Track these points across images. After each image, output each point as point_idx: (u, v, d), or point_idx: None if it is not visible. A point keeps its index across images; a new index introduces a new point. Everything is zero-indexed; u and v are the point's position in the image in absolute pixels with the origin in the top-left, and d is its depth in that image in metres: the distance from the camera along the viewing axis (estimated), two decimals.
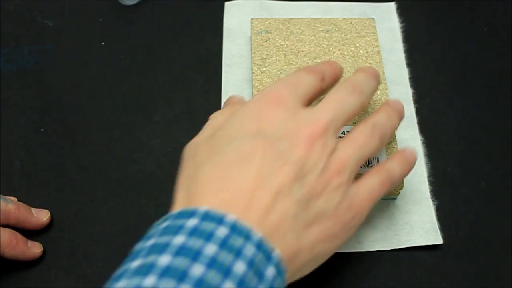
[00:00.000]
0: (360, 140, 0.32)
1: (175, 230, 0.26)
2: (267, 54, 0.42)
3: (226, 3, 0.48)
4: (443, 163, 0.41)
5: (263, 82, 0.41)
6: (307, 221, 0.29)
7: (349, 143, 0.32)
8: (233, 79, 0.45)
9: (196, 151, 0.32)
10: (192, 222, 0.26)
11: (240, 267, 0.25)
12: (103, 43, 0.47)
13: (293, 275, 0.29)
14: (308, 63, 0.41)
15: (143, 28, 0.48)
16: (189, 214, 0.27)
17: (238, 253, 0.25)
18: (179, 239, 0.25)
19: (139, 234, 0.38)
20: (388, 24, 0.48)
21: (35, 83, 0.45)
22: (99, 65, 0.46)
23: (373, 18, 0.44)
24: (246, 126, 0.31)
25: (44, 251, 0.37)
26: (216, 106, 0.44)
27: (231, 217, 0.27)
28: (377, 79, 0.35)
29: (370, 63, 0.42)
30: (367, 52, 0.42)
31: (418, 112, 0.44)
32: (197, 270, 0.24)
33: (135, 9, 0.49)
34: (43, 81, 0.45)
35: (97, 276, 0.37)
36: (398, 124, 0.34)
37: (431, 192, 0.40)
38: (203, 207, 0.27)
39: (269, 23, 0.44)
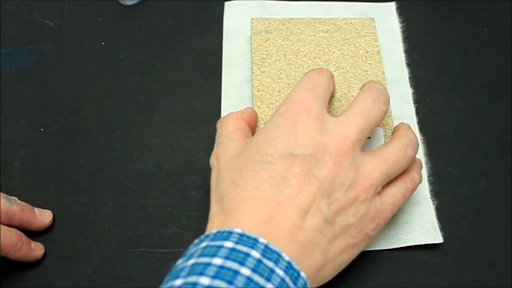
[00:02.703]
0: (392, 160, 0.33)
1: (214, 252, 0.27)
2: (267, 54, 0.42)
3: (226, 3, 0.48)
4: (443, 163, 0.41)
5: (263, 82, 0.41)
6: (333, 235, 0.31)
7: (380, 161, 0.32)
8: (233, 79, 0.44)
9: (227, 166, 0.33)
10: (228, 244, 0.28)
11: None
12: (103, 43, 0.47)
13: (317, 284, 0.31)
14: (308, 63, 0.41)
15: (143, 28, 0.48)
16: (225, 236, 0.28)
17: (268, 278, 0.27)
18: (217, 261, 0.27)
19: (139, 234, 0.39)
20: (388, 24, 0.48)
21: (35, 83, 0.45)
22: (99, 65, 0.46)
23: (373, 18, 0.44)
24: (277, 144, 0.31)
25: (44, 251, 0.37)
26: (216, 106, 0.44)
27: (262, 240, 0.28)
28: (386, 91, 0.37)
29: (370, 63, 0.42)
30: (367, 52, 0.42)
31: (418, 112, 0.44)
32: None
33: (135, 9, 0.49)
34: (43, 81, 0.45)
35: (97, 276, 0.37)
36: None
37: (431, 192, 0.40)
38: (237, 230, 0.28)
39: (269, 23, 0.44)
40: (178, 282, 0.26)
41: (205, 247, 0.28)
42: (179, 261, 0.29)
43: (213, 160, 0.35)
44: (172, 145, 0.42)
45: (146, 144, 0.42)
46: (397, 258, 0.38)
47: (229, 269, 0.26)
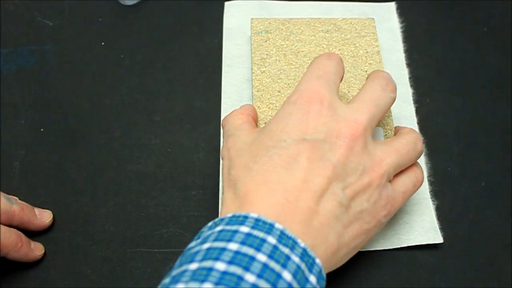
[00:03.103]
0: (403, 151, 0.33)
1: (229, 236, 0.27)
2: (267, 54, 0.42)
3: (226, 3, 0.48)
4: (443, 163, 0.41)
5: (263, 82, 0.41)
6: (348, 221, 0.31)
7: (392, 150, 0.33)
8: (233, 79, 0.44)
9: (239, 154, 0.33)
10: (244, 229, 0.27)
11: (286, 276, 0.26)
12: (103, 43, 0.47)
13: (330, 268, 0.31)
14: (308, 63, 0.41)
15: (143, 28, 0.48)
16: (241, 221, 0.28)
17: (284, 264, 0.27)
18: (233, 246, 0.27)
19: (139, 234, 0.39)
20: (388, 24, 0.48)
21: (35, 83, 0.45)
22: (99, 65, 0.46)
23: (373, 18, 0.44)
24: (290, 130, 0.31)
25: (44, 251, 0.37)
26: (216, 106, 0.44)
27: (278, 226, 0.28)
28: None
29: (370, 63, 0.42)
30: (367, 52, 0.42)
31: (418, 112, 0.44)
32: (250, 278, 0.25)
33: (135, 9, 0.49)
34: (43, 81, 0.45)
35: (97, 276, 0.37)
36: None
37: (431, 192, 0.40)
38: (253, 214, 0.28)
39: (269, 23, 0.44)
40: (193, 266, 0.26)
41: (221, 231, 0.28)
42: (193, 243, 0.29)
43: (223, 151, 0.34)
44: (172, 145, 0.42)
45: (146, 144, 0.42)
46: (397, 258, 0.38)
47: (245, 254, 0.26)
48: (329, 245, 0.30)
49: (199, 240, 0.28)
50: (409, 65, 0.46)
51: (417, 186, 0.35)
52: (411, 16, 0.49)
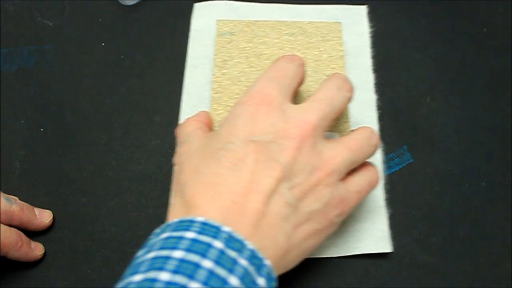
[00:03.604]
0: (355, 147, 0.33)
1: (174, 244, 0.27)
2: (229, 56, 0.42)
3: (195, 4, 0.48)
4: (443, 162, 0.41)
5: (223, 84, 0.40)
6: (297, 221, 0.30)
7: (343, 147, 0.32)
8: (196, 80, 0.44)
9: (189, 158, 0.32)
10: (189, 235, 0.27)
11: (233, 281, 0.26)
12: (103, 44, 0.47)
13: (283, 270, 0.31)
14: (268, 64, 0.41)
15: (143, 28, 0.48)
16: (187, 226, 0.28)
17: (231, 269, 0.26)
18: (177, 254, 0.26)
19: (139, 234, 0.39)
20: (358, 28, 0.47)
21: (35, 83, 0.45)
22: (99, 65, 0.46)
23: (339, 22, 0.44)
24: (238, 131, 0.31)
25: (44, 251, 0.37)
26: None
27: (225, 228, 0.27)
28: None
29: (332, 68, 0.41)
30: (331, 56, 0.42)
31: (418, 112, 0.44)
32: (195, 286, 0.25)
33: (135, 9, 0.49)
34: (43, 81, 0.45)
35: (97, 276, 0.37)
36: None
37: (386, 200, 0.40)
38: (199, 218, 0.28)
39: (234, 25, 0.43)
40: (137, 277, 0.26)
41: (166, 238, 0.27)
42: (140, 253, 0.28)
43: (175, 158, 0.34)
44: (172, 146, 0.42)
45: (146, 144, 0.42)
46: (397, 258, 0.38)
47: (190, 262, 0.26)
48: (278, 247, 0.29)
49: (145, 249, 0.28)
50: (376, 70, 0.45)
51: (372, 185, 0.35)
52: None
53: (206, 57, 0.45)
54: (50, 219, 0.38)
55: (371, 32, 0.47)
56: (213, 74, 0.41)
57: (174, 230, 0.28)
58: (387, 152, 0.42)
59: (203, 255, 0.26)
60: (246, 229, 0.28)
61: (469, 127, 0.43)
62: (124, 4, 0.49)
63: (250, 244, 0.28)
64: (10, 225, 0.36)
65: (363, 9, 0.48)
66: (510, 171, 0.41)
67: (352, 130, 0.36)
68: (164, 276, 0.25)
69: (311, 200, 0.31)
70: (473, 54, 0.47)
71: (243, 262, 0.27)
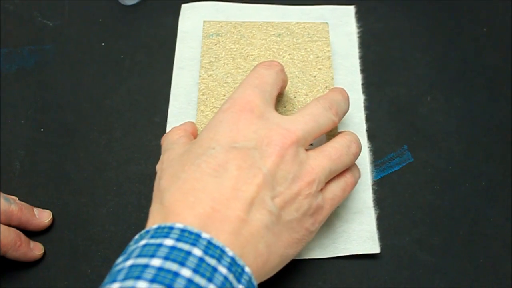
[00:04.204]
0: (335, 156, 0.33)
1: (152, 251, 0.26)
2: (215, 57, 0.42)
3: (183, 5, 0.48)
4: (444, 162, 0.41)
5: (209, 85, 0.40)
6: (278, 230, 0.30)
7: (323, 157, 0.32)
8: (183, 82, 0.44)
9: (170, 164, 0.32)
10: (168, 242, 0.26)
11: None
12: (103, 44, 0.47)
13: (263, 278, 0.30)
14: (255, 65, 0.40)
15: (143, 28, 0.48)
16: (166, 233, 0.27)
17: (210, 278, 0.26)
18: (155, 262, 0.26)
19: None
20: (346, 28, 0.47)
21: (35, 83, 0.45)
22: (99, 65, 0.46)
23: (326, 23, 0.43)
24: (220, 137, 0.31)
25: (44, 251, 0.37)
26: None
27: (205, 235, 0.27)
28: (348, 102, 0.36)
29: (319, 68, 0.41)
30: (318, 57, 0.41)
31: (418, 112, 0.44)
32: None
33: (135, 9, 0.49)
34: (43, 81, 0.45)
35: (97, 276, 0.37)
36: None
37: (374, 200, 0.40)
38: (178, 224, 0.27)
39: (221, 26, 0.43)
40: (115, 286, 0.25)
41: (144, 246, 0.27)
42: (119, 260, 0.28)
43: (158, 165, 0.34)
44: None
45: (146, 145, 0.42)
46: (397, 258, 0.38)
47: (168, 271, 0.25)
48: (259, 255, 0.29)
49: (124, 256, 0.28)
50: (363, 71, 0.45)
51: (347, 191, 0.34)
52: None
53: (193, 59, 0.45)
54: (49, 219, 0.38)
55: (372, 32, 0.47)
56: (200, 76, 0.41)
57: (153, 237, 0.27)
58: (387, 152, 0.42)
59: (182, 263, 0.26)
60: (226, 237, 0.28)
61: (469, 127, 0.43)
62: (124, 4, 0.49)
63: (230, 251, 0.27)
64: (9, 225, 0.36)
65: (350, 9, 0.48)
66: (510, 171, 0.41)
67: (339, 132, 0.36)
68: (142, 285, 0.25)
69: (291, 209, 0.31)
70: (473, 54, 0.47)
71: (222, 270, 0.26)
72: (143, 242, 0.27)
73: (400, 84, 0.45)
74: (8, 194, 0.38)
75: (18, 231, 0.36)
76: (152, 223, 0.29)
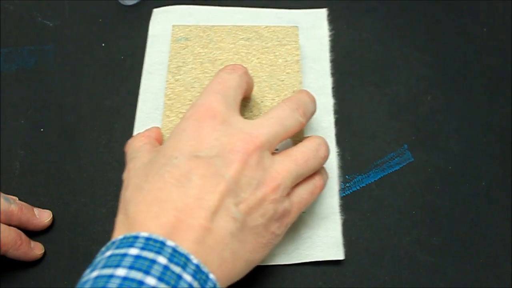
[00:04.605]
0: (301, 160, 0.32)
1: (117, 261, 0.26)
2: (183, 62, 0.41)
3: (154, 10, 0.48)
4: (444, 162, 0.41)
5: (176, 90, 0.40)
6: (243, 236, 0.30)
7: (289, 161, 0.32)
8: (152, 87, 0.43)
9: (135, 174, 0.32)
10: (133, 252, 0.26)
11: None
12: (103, 44, 0.47)
13: (227, 284, 0.30)
14: None
15: (143, 28, 0.48)
16: (131, 242, 0.27)
17: (175, 285, 0.26)
18: (120, 272, 0.26)
19: None
20: (318, 31, 0.46)
21: (35, 83, 0.45)
22: (99, 65, 0.46)
23: (296, 27, 0.43)
24: (182, 146, 0.30)
25: (44, 251, 0.37)
26: None
27: (170, 243, 0.27)
28: (315, 104, 0.36)
29: (287, 73, 0.40)
30: (286, 61, 0.41)
31: (418, 111, 0.44)
32: None
33: (135, 9, 0.49)
34: (43, 81, 0.45)
35: None
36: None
37: (341, 206, 0.39)
38: (143, 233, 0.27)
39: (190, 30, 0.43)
40: None
41: (110, 257, 0.27)
42: (86, 272, 0.28)
43: (124, 175, 0.33)
44: None
45: None
46: (397, 258, 0.38)
47: (133, 280, 0.25)
48: (224, 261, 0.29)
49: (90, 268, 0.27)
50: (333, 74, 0.45)
51: (315, 193, 0.34)
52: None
53: (163, 63, 0.44)
54: (49, 219, 0.38)
55: (372, 32, 0.47)
56: (167, 81, 0.40)
57: (118, 247, 0.27)
58: (387, 152, 0.42)
59: (147, 272, 0.26)
60: (191, 245, 0.28)
61: (470, 127, 0.43)
62: (124, 4, 0.49)
63: (194, 259, 0.27)
64: (9, 225, 0.36)
65: (323, 12, 0.47)
66: (510, 171, 0.41)
67: (306, 137, 0.35)
68: None
69: (256, 215, 0.30)
70: (473, 54, 0.47)
71: (187, 277, 0.26)
72: (108, 253, 0.27)
73: (400, 84, 0.45)
74: (8, 194, 0.38)
75: (19, 231, 0.36)
76: (118, 234, 0.29)
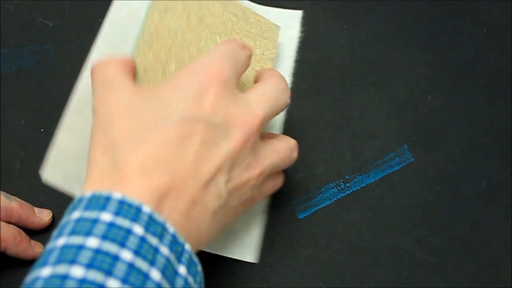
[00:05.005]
0: (282, 155, 0.33)
1: (88, 228, 0.23)
2: (172, 5, 0.37)
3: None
4: (443, 162, 0.41)
5: (159, 29, 0.35)
6: (219, 214, 0.29)
7: (273, 152, 0.32)
8: (121, 19, 0.37)
9: (124, 112, 0.28)
10: (105, 217, 0.24)
11: (155, 275, 0.23)
12: None
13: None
14: (207, 34, 0.37)
15: None
16: (102, 204, 0.24)
17: (152, 261, 0.24)
18: (92, 243, 0.23)
19: None
20: (290, 32, 0.46)
21: (35, 83, 0.45)
22: None
23: (279, 27, 0.43)
24: (185, 103, 0.28)
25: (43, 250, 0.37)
26: None
27: (146, 209, 0.24)
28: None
29: (262, 66, 0.40)
30: (263, 54, 0.40)
31: (418, 111, 0.44)
32: (112, 285, 0.22)
33: None
34: (43, 81, 0.45)
35: None
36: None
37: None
38: (116, 194, 0.24)
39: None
40: (45, 272, 0.22)
41: (78, 220, 0.24)
42: (53, 235, 0.25)
43: (98, 103, 0.29)
44: None
45: None
46: (397, 258, 0.38)
47: (107, 254, 0.22)
48: (199, 237, 0.27)
49: (57, 231, 0.25)
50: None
51: (275, 188, 0.35)
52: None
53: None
54: (49, 217, 0.38)
55: (372, 32, 0.47)
56: (148, 15, 0.36)
57: (87, 208, 0.24)
58: (387, 152, 0.42)
59: (122, 243, 0.23)
60: (177, 217, 0.26)
61: (470, 127, 0.43)
62: None
63: (171, 228, 0.25)
64: (9, 223, 0.36)
65: (298, 14, 0.47)
66: (510, 171, 0.41)
67: (271, 134, 0.35)
68: (77, 272, 0.22)
69: (235, 196, 0.30)
70: (473, 54, 0.47)
71: (164, 250, 0.24)
72: (76, 214, 0.24)
73: (400, 84, 0.45)
74: (8, 194, 0.38)
75: (18, 228, 0.36)
76: (91, 185, 0.26)
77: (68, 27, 0.48)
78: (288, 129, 0.42)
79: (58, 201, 0.40)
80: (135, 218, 0.24)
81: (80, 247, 0.23)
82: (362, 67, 0.46)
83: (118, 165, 0.26)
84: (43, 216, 0.38)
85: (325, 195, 0.40)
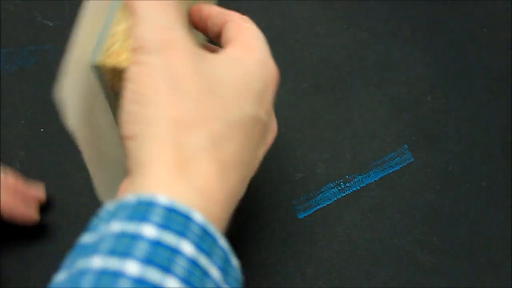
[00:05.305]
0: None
1: (126, 248, 0.19)
2: None
3: None
4: (444, 162, 0.41)
5: None
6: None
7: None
8: None
9: (185, 86, 0.23)
10: (149, 233, 0.19)
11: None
12: None
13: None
14: None
15: None
16: (143, 214, 0.20)
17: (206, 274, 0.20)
18: (132, 269, 0.19)
19: None
20: None
21: (35, 83, 0.45)
22: None
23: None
24: (252, 97, 0.25)
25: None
26: None
27: (198, 218, 0.20)
28: None
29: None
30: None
31: (418, 111, 0.44)
32: None
33: None
34: (43, 81, 0.45)
35: None
36: None
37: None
38: (161, 199, 0.20)
39: None
40: None
41: (119, 236, 0.20)
42: (84, 240, 0.21)
43: (149, 58, 0.24)
44: None
45: None
46: (397, 258, 0.38)
47: (149, 284, 0.18)
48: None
49: (90, 237, 0.21)
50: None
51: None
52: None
53: None
54: (43, 191, 0.39)
55: (373, 32, 0.47)
56: None
57: (130, 218, 0.20)
58: (387, 152, 0.42)
59: (167, 269, 0.19)
60: (220, 213, 0.23)
61: (470, 127, 0.43)
62: None
63: (221, 239, 0.21)
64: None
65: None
66: (510, 171, 0.41)
67: None
68: None
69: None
70: (473, 54, 0.47)
71: (214, 273, 0.20)
72: (116, 226, 0.20)
73: (400, 84, 0.45)
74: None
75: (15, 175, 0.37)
76: (159, 176, 0.21)
77: (68, 27, 0.48)
78: (288, 129, 0.42)
79: (58, 201, 0.40)
80: (183, 232, 0.20)
81: (118, 275, 0.19)
82: (362, 67, 0.46)
83: (183, 155, 0.22)
84: (38, 187, 0.39)
85: (325, 195, 0.40)
